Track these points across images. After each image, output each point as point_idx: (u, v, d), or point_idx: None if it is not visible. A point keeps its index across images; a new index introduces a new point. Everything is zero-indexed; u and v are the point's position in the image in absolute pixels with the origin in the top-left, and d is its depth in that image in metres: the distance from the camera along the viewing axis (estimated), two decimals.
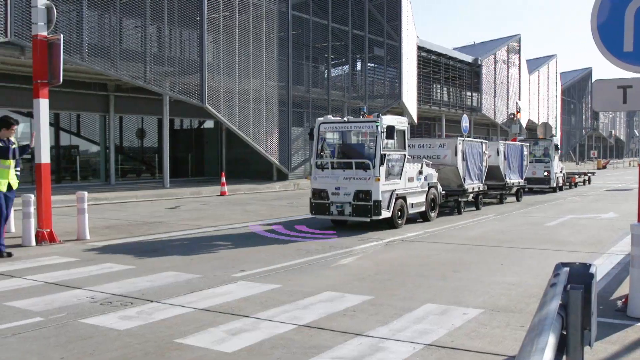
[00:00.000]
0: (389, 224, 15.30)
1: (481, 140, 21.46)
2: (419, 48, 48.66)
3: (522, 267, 10.38)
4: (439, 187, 17.82)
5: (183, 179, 34.37)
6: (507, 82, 64.63)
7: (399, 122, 15.77)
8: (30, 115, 25.58)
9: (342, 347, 5.96)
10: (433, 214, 17.38)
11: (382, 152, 14.67)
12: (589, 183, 38.07)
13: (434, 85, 54.56)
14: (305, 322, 6.79)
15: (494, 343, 6.09)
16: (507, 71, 64.82)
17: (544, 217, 18.51)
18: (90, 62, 24.67)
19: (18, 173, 11.26)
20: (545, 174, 30.63)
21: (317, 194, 15.35)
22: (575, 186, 35.32)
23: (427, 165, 17.31)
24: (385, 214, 14.89)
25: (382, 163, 14.66)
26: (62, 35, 13.14)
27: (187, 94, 28.76)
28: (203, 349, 5.90)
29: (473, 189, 20.15)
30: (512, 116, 46.23)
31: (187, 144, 38.03)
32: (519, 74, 67.33)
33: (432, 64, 52.62)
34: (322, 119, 16.36)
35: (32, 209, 12.87)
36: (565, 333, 3.20)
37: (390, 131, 14.52)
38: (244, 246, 12.47)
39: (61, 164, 30.12)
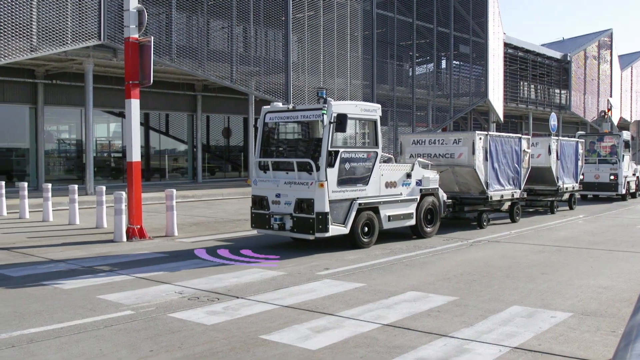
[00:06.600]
0: (352, 243, 12.13)
1: (519, 135, 17.90)
2: (506, 45, 47.69)
3: (613, 270, 10.06)
4: (441, 194, 14.39)
5: None
6: (598, 78, 62.57)
7: (364, 110, 12.36)
8: (122, 115, 26.46)
9: (426, 348, 5.92)
10: (430, 229, 13.92)
11: (331, 149, 11.43)
12: None
13: (521, 83, 53.39)
14: (389, 322, 6.78)
15: (583, 348, 5.92)
16: (598, 67, 62.75)
17: (636, 219, 17.88)
18: (179, 63, 25.25)
19: None
20: (612, 177, 25.15)
21: (258, 202, 12.27)
22: None
23: (425, 166, 14.16)
24: (339, 230, 11.63)
25: (331, 164, 11.40)
26: (152, 37, 13.52)
27: (272, 93, 29.08)
28: (287, 346, 5.96)
29: (502, 196, 16.39)
30: (603, 114, 44.80)
31: None
32: (611, 70, 65.11)
33: (519, 60, 51.48)
34: (268, 107, 12.99)
35: (123, 206, 13.29)
36: None
37: (342, 121, 11.22)
38: (328, 244, 12.50)
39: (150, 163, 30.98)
